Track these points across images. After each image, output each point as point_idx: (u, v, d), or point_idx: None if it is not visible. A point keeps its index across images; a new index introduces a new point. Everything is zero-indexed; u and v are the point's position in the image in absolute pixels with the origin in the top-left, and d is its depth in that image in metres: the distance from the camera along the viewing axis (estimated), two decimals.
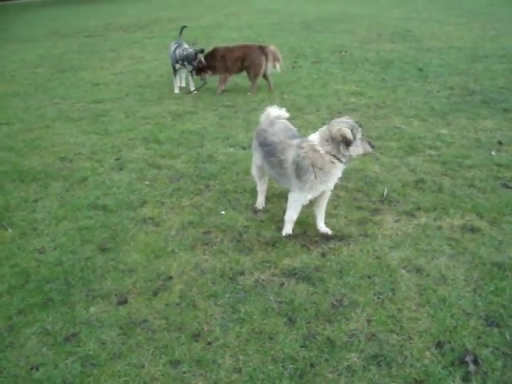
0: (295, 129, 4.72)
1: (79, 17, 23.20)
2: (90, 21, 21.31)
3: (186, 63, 8.98)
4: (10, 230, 4.73)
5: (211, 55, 8.95)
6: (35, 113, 8.47)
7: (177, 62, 9.06)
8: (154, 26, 18.36)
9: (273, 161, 4.38)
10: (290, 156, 4.22)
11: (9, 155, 6.54)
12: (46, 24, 21.21)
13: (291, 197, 4.38)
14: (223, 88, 9.24)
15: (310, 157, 4.08)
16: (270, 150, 4.42)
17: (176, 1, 29.01)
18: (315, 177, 4.10)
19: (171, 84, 9.53)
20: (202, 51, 8.97)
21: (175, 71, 9.26)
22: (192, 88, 9.29)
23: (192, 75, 9.26)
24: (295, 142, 4.27)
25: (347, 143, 3.97)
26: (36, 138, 7.17)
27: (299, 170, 4.14)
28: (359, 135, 4.06)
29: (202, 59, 8.95)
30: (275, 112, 4.75)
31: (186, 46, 9.15)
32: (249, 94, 8.93)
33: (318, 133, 4.18)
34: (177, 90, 9.36)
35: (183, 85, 9.64)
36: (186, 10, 23.36)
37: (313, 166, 4.07)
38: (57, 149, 6.70)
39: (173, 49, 9.14)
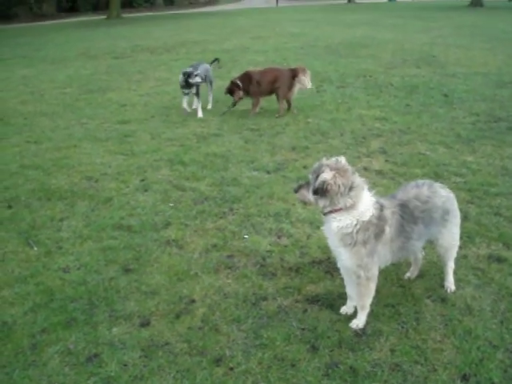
0: None
1: (108, 38, 23.66)
2: (118, 42, 21.73)
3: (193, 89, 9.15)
4: (35, 248, 4.79)
5: (247, 79, 9.03)
6: (63, 132, 8.63)
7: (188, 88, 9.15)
8: (179, 49, 18.64)
9: None
10: None
11: (36, 173, 6.65)
12: (76, 45, 21.68)
13: None
14: (256, 111, 9.32)
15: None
16: None
17: (202, 24, 29.48)
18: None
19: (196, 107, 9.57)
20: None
21: (196, 94, 9.33)
22: (199, 113, 9.29)
23: (198, 97, 9.31)
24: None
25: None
26: (63, 157, 7.30)
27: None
28: None
29: (239, 82, 9.04)
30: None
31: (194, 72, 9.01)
32: (277, 116, 9.00)
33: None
34: (200, 114, 9.30)
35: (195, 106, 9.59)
36: (211, 33, 23.66)
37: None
38: (83, 168, 6.80)
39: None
